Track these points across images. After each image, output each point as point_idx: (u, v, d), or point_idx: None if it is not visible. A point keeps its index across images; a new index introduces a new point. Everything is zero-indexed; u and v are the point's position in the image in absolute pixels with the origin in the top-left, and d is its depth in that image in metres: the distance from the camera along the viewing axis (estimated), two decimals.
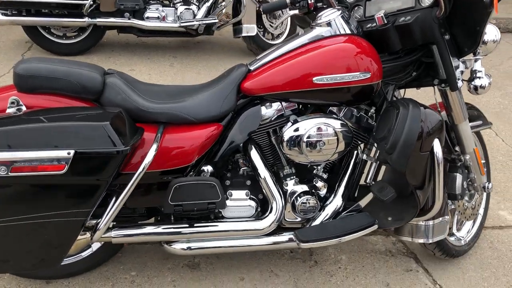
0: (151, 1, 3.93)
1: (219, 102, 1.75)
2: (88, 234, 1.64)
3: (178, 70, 3.94)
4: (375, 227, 1.83)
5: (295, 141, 1.74)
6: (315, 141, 1.74)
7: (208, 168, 1.80)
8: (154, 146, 1.60)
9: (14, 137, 1.39)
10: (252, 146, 1.81)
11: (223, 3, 4.02)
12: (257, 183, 1.84)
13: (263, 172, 1.80)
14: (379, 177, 1.96)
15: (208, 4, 3.98)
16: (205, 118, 1.74)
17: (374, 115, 1.92)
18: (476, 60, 1.86)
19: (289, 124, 1.77)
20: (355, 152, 1.91)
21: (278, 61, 1.78)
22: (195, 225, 1.75)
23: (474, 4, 1.65)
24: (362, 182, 1.97)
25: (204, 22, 3.92)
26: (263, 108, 1.80)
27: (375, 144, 1.84)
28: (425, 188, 1.76)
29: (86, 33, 3.94)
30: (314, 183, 1.90)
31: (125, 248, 2.08)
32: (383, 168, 1.95)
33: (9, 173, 1.38)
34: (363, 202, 1.93)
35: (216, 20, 3.97)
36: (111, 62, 3.97)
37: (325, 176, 1.92)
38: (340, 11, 1.81)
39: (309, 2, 1.94)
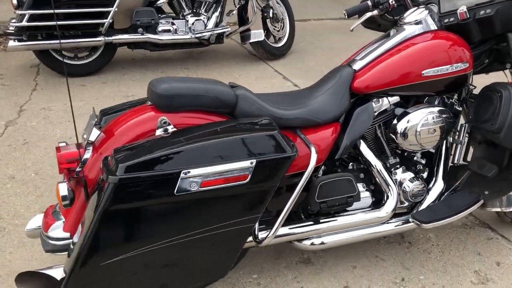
0: (161, 15, 3.95)
1: (337, 102, 1.89)
2: (250, 239, 1.72)
3: None
4: (481, 202, 2.03)
5: (409, 131, 1.91)
6: (427, 129, 1.92)
7: (322, 167, 1.93)
8: (313, 149, 1.71)
9: (200, 154, 1.45)
10: (361, 141, 1.95)
11: (234, 12, 4.12)
12: (368, 175, 1.99)
13: (377, 164, 1.94)
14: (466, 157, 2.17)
15: (216, 13, 4.06)
16: (328, 119, 1.87)
17: (456, 101, 2.13)
18: None
19: (400, 116, 1.93)
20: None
21: (381, 59, 1.93)
22: (331, 220, 1.87)
23: None
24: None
25: (218, 31, 4.00)
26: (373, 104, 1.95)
27: (474, 126, 2.03)
28: None
29: (98, 52, 3.90)
30: (417, 169, 2.07)
31: None
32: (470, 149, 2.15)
33: (200, 188, 1.44)
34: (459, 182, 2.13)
35: (229, 29, 4.07)
36: (128, 79, 3.95)
37: (423, 161, 2.10)
38: (428, 10, 1.99)
39: (390, 3, 2.11)
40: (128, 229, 1.45)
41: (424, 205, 2.04)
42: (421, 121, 1.91)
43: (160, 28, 3.89)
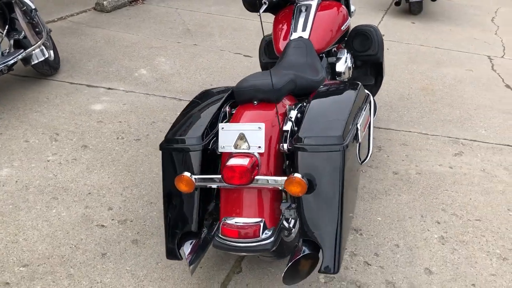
0: None
1: (320, 62, 2.64)
2: None
3: (19, 114, 3.49)
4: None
5: (346, 68, 2.88)
6: (352, 64, 2.94)
7: None
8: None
9: (354, 111, 2.04)
10: None
11: (22, 34, 3.66)
12: None
13: None
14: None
15: None
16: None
17: None
18: None
19: (337, 61, 2.86)
20: None
21: (318, 26, 2.76)
22: None
23: None
24: None
25: (14, 60, 3.53)
26: None
27: (357, 56, 3.14)
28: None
29: None
30: None
31: None
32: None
33: (362, 133, 2.06)
34: None
35: (24, 54, 3.63)
36: None
37: None
38: None
39: None
40: (350, 181, 1.93)
41: None
42: (348, 60, 2.92)
43: None
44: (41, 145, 3.19)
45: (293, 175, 1.81)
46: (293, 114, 2.09)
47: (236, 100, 2.16)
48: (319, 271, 1.87)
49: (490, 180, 3.10)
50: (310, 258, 1.89)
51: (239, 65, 4.80)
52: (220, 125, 1.94)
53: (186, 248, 2.00)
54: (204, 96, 2.34)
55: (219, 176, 1.90)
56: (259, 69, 4.67)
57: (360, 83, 2.27)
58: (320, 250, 1.87)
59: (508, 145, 3.56)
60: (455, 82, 4.70)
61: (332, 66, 2.91)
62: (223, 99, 2.23)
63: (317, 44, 2.71)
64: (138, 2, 6.65)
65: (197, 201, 2.01)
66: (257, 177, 1.86)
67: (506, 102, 4.32)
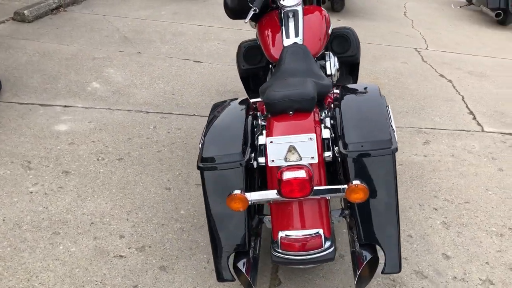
0: None
1: (319, 69, 2.69)
2: None
3: None
4: None
5: (336, 70, 2.96)
6: (338, 65, 3.03)
7: None
8: None
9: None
10: None
11: None
12: None
13: None
14: None
15: None
16: None
17: None
18: None
19: (326, 63, 2.93)
20: None
21: (309, 31, 2.81)
22: None
23: None
24: None
25: None
26: None
27: (339, 56, 3.24)
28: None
29: None
30: None
31: None
32: None
33: None
34: None
35: None
36: None
37: None
38: None
39: None
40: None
41: None
42: (336, 62, 3.00)
43: None
44: (15, 176, 2.88)
45: (352, 182, 1.84)
46: (328, 121, 2.12)
47: (269, 112, 2.14)
48: (383, 272, 1.94)
49: (461, 164, 3.39)
50: (370, 260, 1.94)
51: (193, 71, 4.69)
52: (268, 138, 1.92)
53: (242, 268, 1.95)
54: (220, 110, 2.28)
55: (274, 191, 1.88)
56: (213, 75, 4.65)
57: (377, 85, 2.36)
58: (381, 252, 1.94)
59: (463, 130, 3.91)
60: (397, 75, 5.03)
61: (323, 69, 2.98)
62: (245, 111, 2.21)
63: (312, 49, 2.76)
64: (60, 10, 6.19)
65: (246, 218, 1.97)
66: (315, 187, 1.87)
67: (445, 90, 4.73)
